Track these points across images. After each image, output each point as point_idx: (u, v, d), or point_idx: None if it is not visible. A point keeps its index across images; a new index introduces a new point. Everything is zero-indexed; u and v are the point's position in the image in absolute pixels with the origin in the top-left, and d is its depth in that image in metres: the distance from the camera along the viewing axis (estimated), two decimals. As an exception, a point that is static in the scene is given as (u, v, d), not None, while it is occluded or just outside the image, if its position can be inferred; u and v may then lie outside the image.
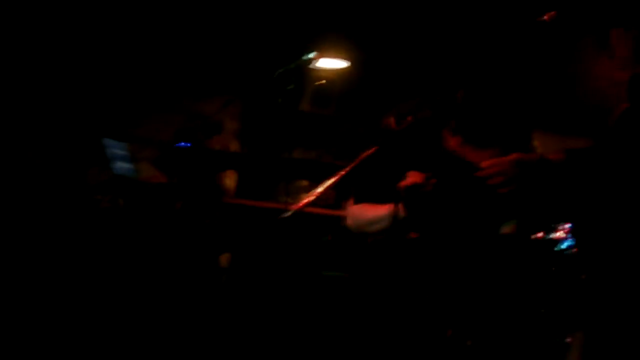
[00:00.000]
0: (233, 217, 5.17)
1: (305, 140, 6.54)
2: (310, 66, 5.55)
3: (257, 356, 4.73)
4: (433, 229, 2.94)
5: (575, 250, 2.77)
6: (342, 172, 2.92)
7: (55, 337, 4.58)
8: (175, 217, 5.04)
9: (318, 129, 6.68)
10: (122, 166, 5.39)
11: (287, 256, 5.00)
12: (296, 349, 4.68)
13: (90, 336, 4.63)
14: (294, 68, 3.71)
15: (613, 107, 2.54)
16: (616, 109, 2.52)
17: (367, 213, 3.09)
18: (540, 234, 2.84)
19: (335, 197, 4.59)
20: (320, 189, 2.93)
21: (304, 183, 5.56)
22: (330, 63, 5.94)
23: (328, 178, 2.93)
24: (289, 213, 2.95)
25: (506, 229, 2.86)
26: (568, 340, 2.73)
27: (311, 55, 3.84)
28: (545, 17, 2.76)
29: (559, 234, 2.87)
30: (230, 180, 6.29)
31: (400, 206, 2.88)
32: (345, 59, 5.93)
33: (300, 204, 2.92)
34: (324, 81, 6.11)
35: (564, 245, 2.84)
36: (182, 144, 5.28)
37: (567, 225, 2.83)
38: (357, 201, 3.16)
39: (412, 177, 2.87)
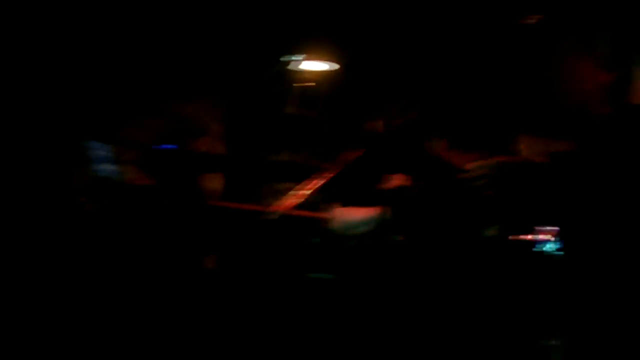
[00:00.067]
0: (218, 219, 5.15)
1: (291, 142, 6.54)
2: (296, 68, 5.55)
3: (244, 358, 4.72)
4: (418, 231, 2.95)
5: (560, 252, 2.78)
6: (329, 175, 2.92)
7: (38, 340, 4.56)
8: (159, 219, 5.02)
9: (304, 132, 6.68)
10: (106, 168, 5.37)
11: (273, 258, 4.99)
12: (283, 350, 4.68)
13: (74, 338, 4.61)
14: (280, 70, 3.71)
15: (597, 109, 2.54)
16: (600, 111, 2.53)
17: (352, 215, 3.10)
18: (524, 237, 2.85)
19: (322, 200, 4.59)
20: (306, 192, 2.93)
21: (290, 185, 5.56)
22: (316, 65, 5.94)
23: (314, 181, 2.92)
24: (275, 215, 2.95)
25: (490, 231, 2.87)
26: (551, 342, 2.74)
27: (297, 58, 3.84)
28: (530, 21, 2.77)
29: (543, 237, 2.88)
30: (215, 182, 6.28)
31: (386, 209, 2.89)
32: (331, 61, 5.93)
33: (286, 207, 2.92)
34: (310, 83, 6.11)
35: (548, 248, 2.85)
36: (167, 146, 5.26)
37: (552, 228, 2.84)
38: (343, 204, 3.16)
39: (398, 180, 2.87)
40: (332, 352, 4.19)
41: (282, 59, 3.75)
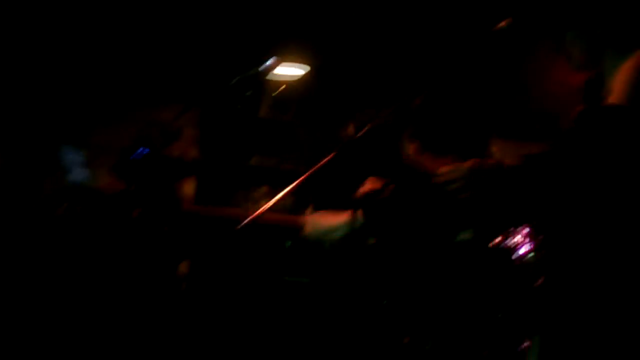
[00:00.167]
0: (192, 224, 5.13)
1: (264, 146, 6.53)
2: (269, 72, 5.53)
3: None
4: (391, 235, 2.94)
5: (533, 254, 2.79)
6: (301, 179, 2.92)
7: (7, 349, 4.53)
8: (133, 225, 4.99)
9: (277, 136, 6.67)
10: (78, 174, 5.34)
11: (247, 263, 4.98)
12: (259, 354, 4.67)
13: (45, 348, 4.58)
14: (253, 74, 3.70)
15: (569, 111, 2.55)
16: (572, 112, 2.54)
17: (326, 220, 3.09)
18: (498, 239, 2.85)
19: (294, 204, 4.59)
20: (279, 196, 2.92)
21: (263, 190, 5.55)
22: (289, 70, 5.93)
23: (287, 185, 2.92)
24: (249, 220, 2.94)
25: (464, 235, 2.87)
26: (525, 344, 2.74)
27: (270, 62, 3.83)
28: (502, 24, 2.77)
29: (517, 239, 2.88)
30: (188, 187, 6.26)
31: (359, 213, 2.88)
32: (304, 65, 5.93)
33: (260, 211, 2.91)
34: (282, 88, 6.10)
35: (522, 250, 2.85)
36: (140, 151, 5.23)
37: (526, 231, 2.85)
38: (316, 208, 3.16)
39: (371, 184, 2.87)
40: (307, 355, 4.18)
41: (255, 63, 3.74)
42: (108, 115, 6.29)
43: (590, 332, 2.44)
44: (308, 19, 5.76)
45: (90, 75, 6.15)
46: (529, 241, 2.86)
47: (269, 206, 2.93)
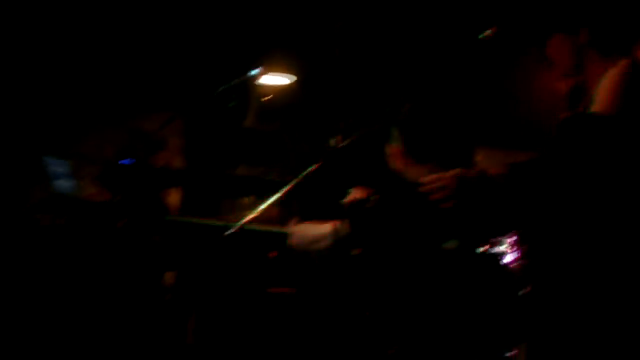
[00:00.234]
0: (177, 234, 5.12)
1: (249, 156, 6.52)
2: (255, 82, 5.53)
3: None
4: (377, 245, 2.94)
5: (519, 262, 2.79)
6: (287, 189, 2.91)
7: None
8: (118, 235, 4.97)
9: (263, 145, 6.66)
10: (63, 184, 5.31)
11: (232, 273, 4.97)
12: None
13: (32, 355, 4.56)
14: (238, 84, 3.69)
15: (554, 118, 2.56)
16: (557, 119, 2.55)
17: (311, 230, 3.09)
18: (483, 248, 2.85)
19: (280, 214, 4.58)
20: (265, 206, 2.92)
21: (249, 200, 5.54)
22: (274, 79, 5.93)
23: (273, 195, 2.91)
24: (234, 230, 2.93)
25: (449, 244, 2.87)
26: (512, 353, 2.74)
27: (256, 71, 3.83)
28: (487, 32, 2.78)
29: (503, 248, 2.89)
30: (174, 197, 6.24)
31: (344, 222, 2.88)
32: (290, 74, 5.92)
33: (245, 221, 2.91)
34: (268, 97, 6.10)
35: (507, 259, 2.85)
36: (125, 161, 5.22)
37: (511, 239, 2.85)
38: (302, 218, 3.16)
39: (356, 193, 2.87)
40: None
41: (240, 72, 3.74)
42: (93, 125, 6.28)
43: (576, 340, 2.44)
44: (293, 29, 5.77)
45: (76, 85, 6.14)
46: (514, 250, 2.86)
47: (255, 216, 2.93)
